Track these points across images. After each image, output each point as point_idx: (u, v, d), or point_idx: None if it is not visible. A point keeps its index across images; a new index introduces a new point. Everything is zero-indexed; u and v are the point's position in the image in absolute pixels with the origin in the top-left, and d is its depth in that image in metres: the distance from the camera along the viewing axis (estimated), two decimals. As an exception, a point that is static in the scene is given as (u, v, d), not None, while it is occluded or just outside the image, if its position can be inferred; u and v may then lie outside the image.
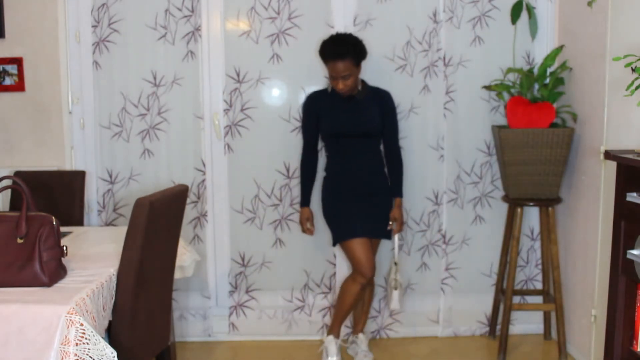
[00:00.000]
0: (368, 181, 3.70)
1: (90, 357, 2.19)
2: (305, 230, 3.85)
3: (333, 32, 3.90)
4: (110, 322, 2.60)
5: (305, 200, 3.82)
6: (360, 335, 3.85)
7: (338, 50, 3.53)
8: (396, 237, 3.84)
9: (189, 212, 3.97)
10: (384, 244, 3.97)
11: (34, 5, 3.90)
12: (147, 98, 3.98)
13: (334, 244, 3.76)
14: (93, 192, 4.04)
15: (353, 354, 3.83)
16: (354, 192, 3.69)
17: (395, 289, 3.79)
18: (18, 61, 3.93)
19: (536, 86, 3.83)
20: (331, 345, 3.75)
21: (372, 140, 3.71)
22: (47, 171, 3.82)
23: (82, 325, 2.19)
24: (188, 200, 3.81)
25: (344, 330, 3.99)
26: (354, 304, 3.72)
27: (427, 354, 3.92)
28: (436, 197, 4.07)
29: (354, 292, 3.66)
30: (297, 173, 3.97)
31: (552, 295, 3.92)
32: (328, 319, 4.07)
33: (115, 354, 2.25)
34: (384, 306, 4.10)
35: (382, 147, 3.80)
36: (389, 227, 3.78)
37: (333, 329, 3.79)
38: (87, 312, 2.29)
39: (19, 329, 2.18)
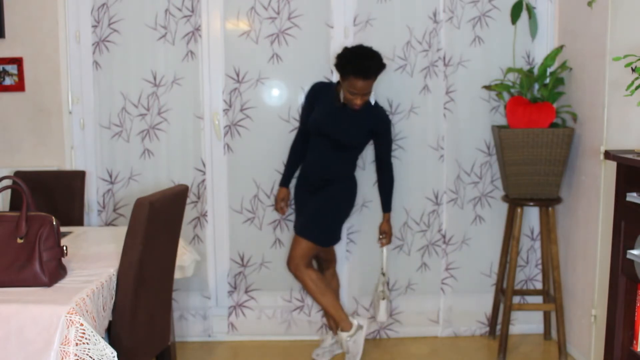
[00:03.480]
0: (322, 182, 3.74)
1: (90, 357, 2.19)
2: (277, 209, 3.93)
3: (333, 32, 3.91)
4: (110, 322, 2.60)
5: (284, 181, 3.90)
6: (330, 334, 3.90)
7: (365, 70, 3.47)
8: (384, 249, 3.87)
9: (189, 212, 3.96)
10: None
11: (34, 5, 3.90)
12: (147, 98, 3.98)
13: None
14: (93, 192, 4.03)
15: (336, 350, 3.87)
16: (307, 186, 3.79)
17: (383, 299, 3.81)
18: (18, 61, 3.93)
19: (536, 86, 3.83)
20: (362, 335, 3.72)
21: (346, 152, 3.72)
22: (47, 171, 3.83)
23: (82, 325, 2.19)
24: (188, 200, 3.81)
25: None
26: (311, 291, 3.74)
27: (427, 354, 3.92)
28: (436, 197, 4.07)
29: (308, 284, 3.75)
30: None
31: (552, 295, 3.92)
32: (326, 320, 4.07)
33: (115, 354, 2.25)
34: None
35: (368, 158, 3.89)
36: (378, 241, 3.92)
37: (343, 322, 3.72)
38: (87, 312, 2.29)
39: (19, 329, 2.18)
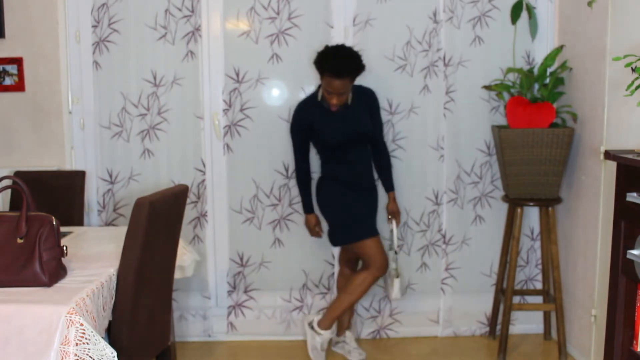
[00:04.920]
0: (365, 179, 3.76)
1: (90, 357, 2.19)
2: (315, 234, 3.88)
3: (333, 32, 3.91)
4: (110, 322, 2.60)
5: (308, 207, 3.84)
6: (348, 333, 3.88)
7: (341, 69, 3.49)
8: (394, 227, 3.85)
9: (189, 212, 3.96)
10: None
11: (34, 5, 3.90)
12: (147, 98, 3.98)
13: (345, 243, 3.76)
14: (93, 192, 4.03)
15: (344, 352, 3.85)
16: (357, 190, 3.73)
17: (397, 277, 3.78)
18: (18, 61, 3.93)
19: (536, 86, 3.83)
20: (326, 341, 3.80)
21: (364, 143, 3.76)
22: (47, 171, 3.83)
23: (82, 325, 2.19)
24: (188, 200, 3.81)
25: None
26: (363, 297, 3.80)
27: (427, 354, 3.92)
28: (436, 197, 4.07)
29: (370, 285, 3.72)
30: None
31: (552, 295, 3.92)
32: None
33: (115, 354, 2.25)
34: (384, 306, 4.10)
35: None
36: (388, 222, 3.90)
37: (331, 324, 3.78)
38: (87, 312, 2.29)
39: (19, 329, 2.18)
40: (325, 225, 3.89)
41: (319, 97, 3.68)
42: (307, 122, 3.70)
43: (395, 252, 3.84)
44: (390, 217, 3.88)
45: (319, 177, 3.84)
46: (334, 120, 3.65)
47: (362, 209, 3.74)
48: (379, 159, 3.83)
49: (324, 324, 3.78)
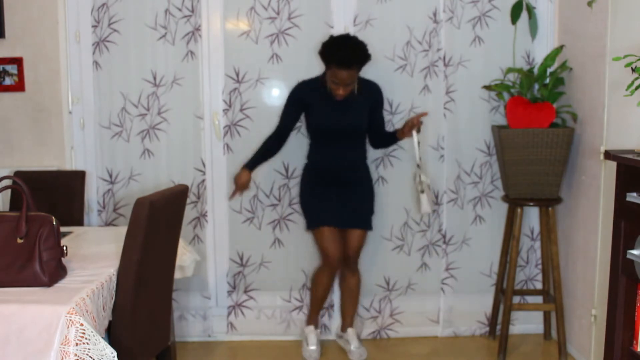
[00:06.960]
0: (348, 173, 3.72)
1: (90, 357, 2.19)
2: (235, 191, 3.77)
3: (333, 32, 3.90)
4: (110, 322, 2.60)
5: (250, 164, 3.73)
6: (349, 330, 3.87)
7: (347, 60, 3.46)
8: (416, 138, 3.69)
9: (189, 212, 3.96)
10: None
11: (34, 5, 3.90)
12: (147, 98, 3.98)
13: (307, 229, 3.83)
14: (93, 192, 4.03)
15: (346, 349, 3.87)
16: (332, 182, 3.71)
17: (422, 192, 3.73)
18: (18, 61, 3.93)
19: (536, 86, 3.83)
20: (311, 334, 3.84)
21: (357, 137, 3.73)
22: (47, 171, 3.83)
23: (82, 325, 2.19)
24: (188, 200, 3.80)
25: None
26: (324, 294, 3.84)
27: (427, 354, 3.92)
28: (436, 197, 4.07)
29: (323, 282, 3.79)
30: (297, 173, 3.98)
31: (552, 295, 3.92)
32: (327, 319, 4.07)
33: (115, 354, 2.25)
34: (384, 306, 4.10)
35: (368, 139, 3.84)
36: (408, 131, 3.67)
37: (310, 320, 3.91)
38: (87, 312, 2.29)
39: (19, 329, 2.18)
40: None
41: (321, 81, 3.64)
42: (301, 99, 3.69)
43: (418, 166, 3.75)
44: (413, 131, 3.66)
45: (304, 164, 3.83)
46: (329, 105, 3.64)
47: (327, 198, 3.69)
48: (376, 138, 3.80)
49: (307, 320, 3.93)
